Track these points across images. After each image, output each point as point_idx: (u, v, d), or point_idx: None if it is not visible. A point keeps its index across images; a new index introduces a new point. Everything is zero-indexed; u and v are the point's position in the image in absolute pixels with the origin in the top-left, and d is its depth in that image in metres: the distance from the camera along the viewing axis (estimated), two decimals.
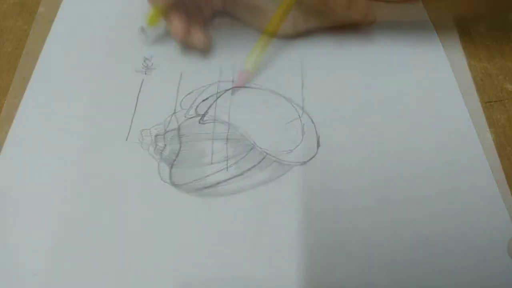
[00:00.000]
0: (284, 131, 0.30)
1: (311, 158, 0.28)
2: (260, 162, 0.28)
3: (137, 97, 0.32)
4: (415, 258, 0.25)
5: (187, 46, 0.34)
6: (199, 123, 0.30)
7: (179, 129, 0.30)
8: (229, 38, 0.35)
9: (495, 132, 0.30)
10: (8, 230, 0.25)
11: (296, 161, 0.28)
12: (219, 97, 0.32)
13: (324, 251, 0.25)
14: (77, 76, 0.33)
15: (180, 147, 0.29)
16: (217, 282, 0.24)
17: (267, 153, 0.29)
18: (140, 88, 0.32)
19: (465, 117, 0.30)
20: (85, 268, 0.24)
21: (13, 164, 0.28)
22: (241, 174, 0.28)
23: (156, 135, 0.30)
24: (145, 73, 0.33)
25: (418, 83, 0.32)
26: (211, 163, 0.28)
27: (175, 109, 0.31)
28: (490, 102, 0.32)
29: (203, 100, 0.31)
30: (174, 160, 0.28)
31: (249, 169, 0.28)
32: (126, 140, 0.29)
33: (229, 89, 0.32)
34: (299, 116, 0.31)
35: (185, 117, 0.31)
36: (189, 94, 0.32)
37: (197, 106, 0.31)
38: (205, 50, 0.34)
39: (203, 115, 0.31)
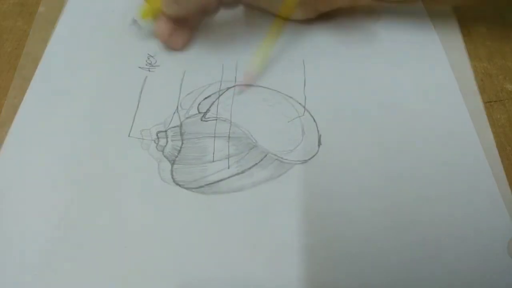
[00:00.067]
0: (285, 129, 0.30)
1: (312, 157, 0.28)
2: (261, 160, 0.28)
3: (140, 94, 0.32)
4: (415, 258, 0.25)
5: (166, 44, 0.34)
6: (201, 120, 0.30)
7: (181, 126, 0.30)
8: (232, 37, 0.35)
9: (495, 132, 0.30)
10: (8, 230, 0.25)
11: (297, 160, 0.28)
12: (221, 95, 0.32)
13: (325, 250, 0.25)
14: (80, 73, 0.33)
15: (182, 144, 0.29)
16: (217, 282, 0.24)
17: (268, 152, 0.29)
18: (143, 85, 0.32)
19: (465, 117, 0.30)
20: (85, 268, 0.24)
21: (13, 163, 0.28)
22: (242, 172, 0.28)
23: (158, 132, 0.30)
24: (149, 70, 0.33)
25: (419, 83, 0.32)
26: (213, 161, 0.28)
27: (177, 107, 0.31)
28: (490, 102, 0.32)
29: (205, 98, 0.31)
30: (176, 157, 0.29)
31: (250, 167, 0.28)
32: (129, 136, 0.29)
33: (231, 87, 0.32)
34: (300, 114, 0.31)
35: (186, 115, 0.31)
36: (188, 94, 0.32)
37: (199, 104, 0.31)
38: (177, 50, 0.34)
39: (205, 113, 0.31)
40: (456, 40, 0.35)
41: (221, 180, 0.27)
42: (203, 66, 0.33)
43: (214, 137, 0.29)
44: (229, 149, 0.29)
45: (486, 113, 0.31)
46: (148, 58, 0.34)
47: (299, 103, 0.31)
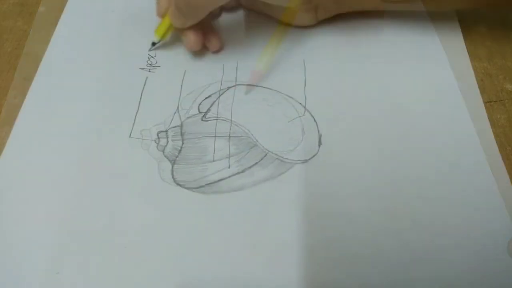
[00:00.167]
0: (286, 129, 0.30)
1: (312, 157, 0.28)
2: (261, 159, 0.28)
3: (141, 94, 0.32)
4: (415, 258, 0.25)
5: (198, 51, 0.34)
6: (202, 120, 0.30)
7: (181, 126, 0.30)
8: (233, 37, 0.35)
9: (495, 132, 0.30)
10: (10, 230, 0.25)
11: (297, 159, 0.28)
12: (221, 94, 0.32)
13: (325, 250, 0.25)
14: (81, 74, 0.33)
15: (182, 144, 0.29)
16: (217, 282, 0.24)
17: (268, 151, 0.29)
18: (144, 85, 0.32)
19: (465, 117, 0.30)
20: (86, 267, 0.24)
21: (14, 164, 0.28)
22: (243, 171, 0.28)
23: (158, 132, 0.30)
24: (149, 71, 0.33)
25: (419, 83, 0.32)
26: (213, 161, 0.28)
27: (178, 107, 0.31)
28: (490, 102, 0.32)
29: (206, 98, 0.32)
30: (176, 157, 0.29)
31: (250, 167, 0.28)
32: (130, 136, 0.29)
33: (231, 87, 0.32)
34: (301, 114, 0.31)
35: (186, 115, 0.31)
36: (189, 94, 0.32)
37: (199, 104, 0.31)
38: (217, 52, 0.35)
39: (206, 113, 0.31)
40: (456, 40, 0.35)
41: (221, 179, 0.27)
42: (203, 66, 0.34)
43: (215, 136, 0.29)
44: (229, 148, 0.29)
45: (486, 113, 0.31)
46: (149, 59, 0.34)
47: (300, 103, 0.31)
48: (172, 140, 0.29)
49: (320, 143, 0.29)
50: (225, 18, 0.37)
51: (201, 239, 0.25)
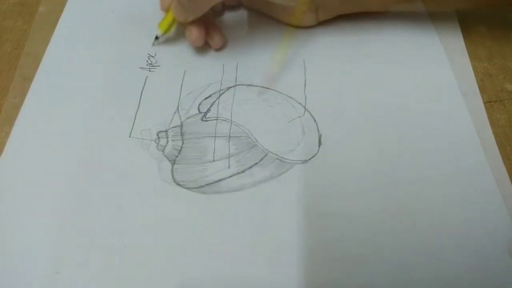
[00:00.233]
0: (286, 129, 0.30)
1: (312, 157, 0.28)
2: (261, 159, 0.28)
3: (141, 94, 0.32)
4: (415, 258, 0.25)
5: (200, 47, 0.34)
6: (202, 120, 0.30)
7: (181, 126, 0.30)
8: (233, 37, 0.35)
9: (495, 132, 0.30)
10: (10, 229, 0.25)
11: (297, 160, 0.28)
12: (221, 94, 0.32)
13: (325, 250, 0.25)
14: (80, 74, 0.33)
15: (182, 144, 0.29)
16: (217, 282, 0.24)
17: (268, 151, 0.29)
18: (144, 84, 0.32)
19: (465, 117, 0.30)
20: (86, 267, 0.24)
21: (14, 164, 0.28)
22: (243, 171, 0.28)
23: (158, 132, 0.30)
24: (149, 70, 0.33)
25: (419, 83, 0.32)
26: (213, 161, 0.28)
27: (178, 106, 0.31)
28: (490, 102, 0.32)
29: (206, 98, 0.32)
30: (176, 157, 0.29)
31: (250, 167, 0.28)
32: (129, 136, 0.29)
33: (231, 87, 0.32)
34: (301, 114, 0.31)
35: (186, 115, 0.31)
36: (189, 94, 0.32)
37: (199, 104, 0.31)
38: (220, 49, 0.35)
39: (206, 113, 0.31)
40: (456, 40, 0.35)
41: (221, 179, 0.27)
42: (204, 66, 0.33)
43: (215, 136, 0.29)
44: (229, 148, 0.29)
45: (486, 113, 0.31)
46: (149, 58, 0.34)
47: (300, 103, 0.31)
48: (172, 140, 0.29)
49: (320, 143, 0.29)
50: (226, 18, 0.37)
51: (201, 239, 0.25)
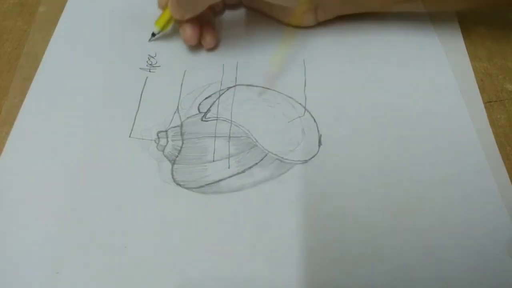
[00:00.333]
0: (286, 129, 0.30)
1: (312, 157, 0.28)
2: (261, 160, 0.28)
3: (141, 94, 0.32)
4: (415, 258, 0.25)
5: (195, 46, 0.34)
6: (202, 120, 0.30)
7: (181, 126, 0.30)
8: (233, 37, 0.35)
9: (495, 132, 0.30)
10: (10, 229, 0.25)
11: (297, 160, 0.28)
12: (221, 94, 0.32)
13: (325, 250, 0.25)
14: (80, 74, 0.33)
15: (182, 144, 0.29)
16: (217, 282, 0.24)
17: (268, 151, 0.29)
18: (144, 85, 0.32)
19: (465, 117, 0.30)
20: (86, 267, 0.24)
21: (14, 164, 0.28)
22: (243, 171, 0.28)
23: (158, 132, 0.30)
24: (149, 71, 0.33)
25: (419, 83, 0.32)
26: (213, 161, 0.28)
27: (178, 106, 0.31)
28: (490, 102, 0.32)
29: (206, 98, 0.32)
30: (176, 157, 0.29)
31: (250, 167, 0.28)
32: (130, 136, 0.29)
33: (231, 87, 0.32)
34: (301, 114, 0.31)
35: (186, 115, 0.31)
36: (188, 94, 0.32)
37: (199, 104, 0.31)
38: (212, 50, 0.35)
39: (206, 113, 0.31)
40: (456, 40, 0.35)
41: (221, 179, 0.27)
42: (203, 66, 0.33)
43: (215, 137, 0.29)
44: (229, 148, 0.29)
45: (486, 113, 0.31)
46: (149, 59, 0.34)
47: (300, 103, 0.31)
48: (172, 140, 0.29)
49: (320, 143, 0.29)
50: (226, 18, 0.37)
51: (201, 239, 0.25)
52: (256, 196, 0.27)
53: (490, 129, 0.30)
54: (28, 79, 0.32)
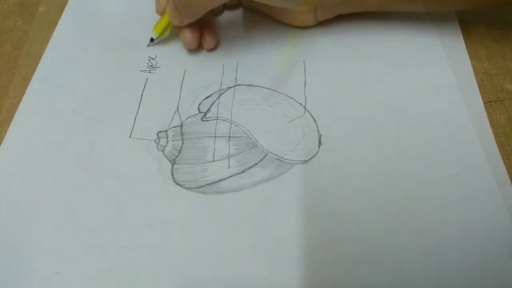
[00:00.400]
0: (286, 129, 0.30)
1: (312, 157, 0.28)
2: (261, 160, 0.28)
3: (141, 95, 0.32)
4: (415, 258, 0.25)
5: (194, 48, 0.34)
6: (202, 120, 0.30)
7: (181, 126, 0.30)
8: (233, 37, 0.35)
9: (495, 132, 0.30)
10: (10, 229, 0.25)
11: (297, 160, 0.28)
12: (221, 94, 0.32)
13: (325, 250, 0.25)
14: (80, 74, 0.33)
15: (182, 144, 0.29)
16: (217, 282, 0.24)
17: (268, 151, 0.29)
18: (144, 86, 0.32)
19: (465, 117, 0.30)
20: (86, 267, 0.24)
21: (12, 164, 0.28)
22: (243, 171, 0.28)
23: (158, 132, 0.30)
24: (150, 72, 0.33)
25: (419, 83, 0.32)
26: (213, 161, 0.28)
27: (178, 107, 0.31)
28: (490, 102, 0.32)
29: (206, 98, 0.32)
30: (176, 157, 0.29)
31: (250, 167, 0.28)
32: (130, 137, 0.29)
33: (231, 87, 0.32)
34: (301, 114, 0.31)
35: (186, 115, 0.31)
36: (188, 94, 0.32)
37: (199, 104, 0.31)
38: (212, 50, 0.35)
39: (206, 113, 0.31)
40: (456, 40, 0.35)
41: (221, 180, 0.27)
42: (203, 66, 0.34)
43: (215, 137, 0.29)
44: (229, 149, 0.29)
45: (486, 113, 0.31)
46: (149, 61, 0.34)
47: (300, 103, 0.31)
48: (172, 140, 0.29)
49: (320, 143, 0.29)
50: (226, 18, 0.37)
51: (201, 239, 0.25)
52: (256, 196, 0.27)
53: (490, 129, 0.30)
54: (28, 79, 0.32)
